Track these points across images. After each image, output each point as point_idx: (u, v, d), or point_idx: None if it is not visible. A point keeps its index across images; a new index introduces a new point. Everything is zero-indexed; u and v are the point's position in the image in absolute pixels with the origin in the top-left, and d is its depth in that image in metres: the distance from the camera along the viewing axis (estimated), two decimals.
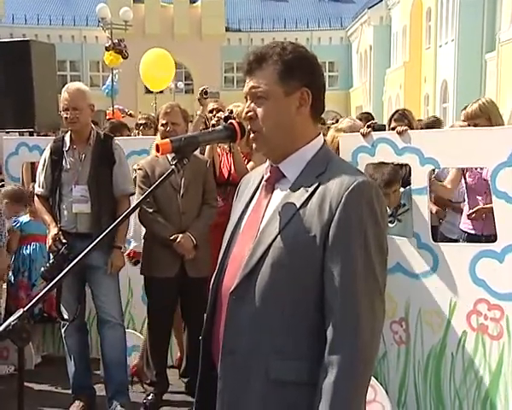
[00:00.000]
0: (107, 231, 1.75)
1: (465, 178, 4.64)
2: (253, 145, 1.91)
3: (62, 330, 4.56)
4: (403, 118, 5.14)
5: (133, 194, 4.51)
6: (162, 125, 4.66)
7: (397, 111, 5.41)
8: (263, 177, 1.96)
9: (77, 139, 4.39)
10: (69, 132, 4.46)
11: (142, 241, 4.79)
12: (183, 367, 5.03)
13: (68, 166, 4.37)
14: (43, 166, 4.45)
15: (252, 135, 1.88)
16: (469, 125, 4.58)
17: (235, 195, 2.10)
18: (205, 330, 1.99)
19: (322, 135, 1.93)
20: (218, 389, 1.86)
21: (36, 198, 4.54)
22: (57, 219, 4.40)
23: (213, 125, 4.82)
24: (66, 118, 4.32)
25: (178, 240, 4.43)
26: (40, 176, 4.47)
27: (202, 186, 4.61)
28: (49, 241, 4.33)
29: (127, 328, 5.14)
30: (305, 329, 1.77)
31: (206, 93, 6.24)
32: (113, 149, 4.42)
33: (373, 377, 3.90)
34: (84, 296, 4.57)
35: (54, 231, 4.32)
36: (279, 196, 1.86)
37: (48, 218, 4.41)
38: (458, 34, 27.50)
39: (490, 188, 4.37)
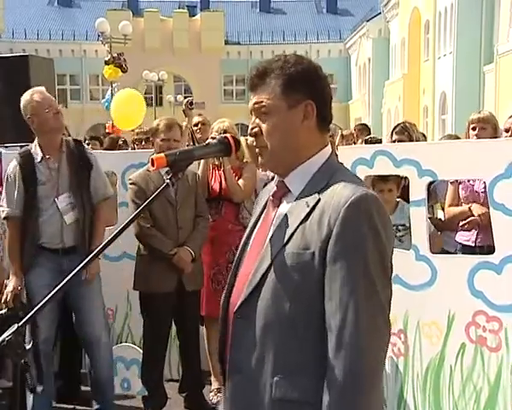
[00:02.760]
0: (104, 242, 1.74)
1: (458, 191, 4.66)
2: (260, 160, 1.89)
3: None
4: (403, 130, 5.17)
5: (111, 196, 4.45)
6: (163, 140, 4.50)
7: (398, 124, 5.44)
8: None
9: (49, 148, 4.16)
10: (36, 143, 4.21)
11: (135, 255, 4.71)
12: (180, 382, 5.01)
13: (44, 179, 4.13)
14: (13, 183, 4.13)
15: (257, 150, 1.87)
16: (475, 129, 4.63)
17: (254, 208, 2.08)
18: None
19: (329, 145, 1.90)
20: (227, 408, 1.85)
21: (8, 225, 4.19)
22: (37, 237, 4.13)
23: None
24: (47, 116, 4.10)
25: (178, 254, 4.42)
26: (9, 195, 4.13)
27: (194, 199, 4.60)
28: (8, 294, 3.99)
29: (125, 341, 5.13)
30: (309, 347, 1.73)
31: (191, 104, 6.26)
32: (88, 154, 4.31)
33: None
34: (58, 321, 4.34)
35: (16, 283, 4.02)
36: (283, 211, 1.84)
37: (16, 262, 4.09)
38: (456, 46, 27.61)
39: (482, 200, 4.40)
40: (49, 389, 4.27)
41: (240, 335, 1.81)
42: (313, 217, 1.73)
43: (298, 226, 1.75)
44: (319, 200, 1.75)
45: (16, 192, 4.13)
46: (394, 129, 5.30)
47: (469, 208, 4.47)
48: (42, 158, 4.17)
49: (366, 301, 1.67)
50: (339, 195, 1.72)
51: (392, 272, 1.78)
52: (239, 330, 1.81)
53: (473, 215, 4.44)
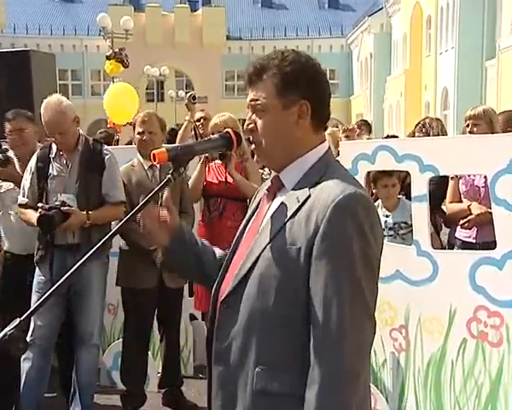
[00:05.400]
0: (102, 241, 1.74)
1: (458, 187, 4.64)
2: (255, 156, 1.91)
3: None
4: (422, 128, 5.18)
5: (124, 202, 4.28)
6: (138, 133, 4.58)
7: (420, 121, 5.42)
8: None
9: (62, 146, 4.18)
10: None
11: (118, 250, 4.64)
12: (159, 379, 4.98)
13: (55, 173, 4.16)
14: (29, 174, 4.22)
15: (252, 146, 1.88)
16: (468, 126, 4.62)
17: (251, 202, 2.10)
18: (207, 337, 1.96)
19: (326, 142, 1.91)
20: (212, 395, 1.87)
21: (21, 211, 4.25)
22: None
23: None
24: (54, 139, 4.17)
25: (158, 250, 4.33)
26: (25, 186, 4.22)
27: (179, 195, 4.54)
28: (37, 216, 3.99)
29: None
30: (291, 341, 1.75)
31: (194, 98, 6.25)
32: (104, 155, 4.23)
33: (373, 385, 3.90)
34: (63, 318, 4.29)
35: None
36: (276, 205, 1.85)
37: (33, 215, 4.06)
38: (458, 41, 27.58)
39: (482, 195, 4.39)
40: (43, 383, 4.25)
41: (225, 324, 1.83)
42: (302, 213, 1.75)
43: (287, 221, 1.76)
44: (309, 196, 1.76)
45: (30, 183, 4.21)
46: (417, 125, 5.32)
47: (468, 207, 4.45)
48: (56, 154, 4.22)
49: (350, 300, 1.67)
50: (328, 192, 1.73)
51: (379, 270, 1.79)
52: (224, 319, 1.83)
53: (471, 214, 4.42)
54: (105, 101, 9.60)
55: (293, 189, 1.83)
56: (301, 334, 1.72)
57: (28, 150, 4.44)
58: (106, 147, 4.37)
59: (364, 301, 1.71)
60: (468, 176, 4.51)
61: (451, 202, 4.67)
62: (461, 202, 4.61)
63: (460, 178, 4.59)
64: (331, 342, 1.66)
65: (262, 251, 1.78)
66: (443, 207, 4.90)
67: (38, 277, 4.18)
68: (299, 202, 1.77)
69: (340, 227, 1.68)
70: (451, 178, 4.64)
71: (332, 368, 1.65)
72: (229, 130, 1.95)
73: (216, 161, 4.90)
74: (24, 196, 4.24)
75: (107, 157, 4.24)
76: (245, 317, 1.78)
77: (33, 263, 4.21)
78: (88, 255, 1.75)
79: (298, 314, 1.73)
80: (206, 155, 4.80)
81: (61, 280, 1.72)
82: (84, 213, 4.06)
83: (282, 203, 1.82)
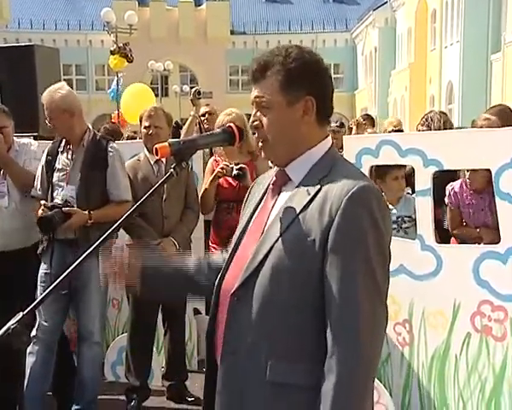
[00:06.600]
0: (103, 236, 1.74)
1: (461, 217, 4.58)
2: (262, 153, 1.92)
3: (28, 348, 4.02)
4: (425, 121, 5.17)
5: (128, 201, 4.22)
6: (145, 127, 4.61)
7: (425, 115, 5.40)
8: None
9: (70, 140, 4.23)
10: None
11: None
12: (164, 371, 5.01)
13: (60, 167, 4.21)
14: (40, 166, 4.28)
15: (260, 144, 1.89)
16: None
17: (246, 197, 2.11)
18: (208, 331, 1.98)
19: (329, 137, 1.93)
20: (217, 389, 1.87)
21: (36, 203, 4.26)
22: None
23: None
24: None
25: (161, 244, 4.40)
26: (37, 178, 4.29)
27: (184, 190, 4.58)
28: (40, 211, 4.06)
29: None
30: (304, 332, 1.77)
31: (199, 93, 6.26)
32: (108, 152, 4.21)
33: (376, 379, 3.87)
34: (66, 313, 4.33)
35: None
36: (284, 198, 1.87)
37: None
38: (463, 35, 27.50)
39: (490, 221, 4.28)
40: (47, 377, 4.25)
41: (236, 317, 1.83)
42: (314, 205, 1.77)
43: (299, 214, 1.78)
44: (320, 189, 1.78)
45: (40, 176, 4.27)
46: (422, 118, 5.30)
47: (478, 233, 4.39)
48: (64, 148, 4.26)
49: (366, 290, 1.71)
50: (341, 185, 1.75)
51: (390, 260, 1.81)
52: (235, 312, 1.84)
53: (482, 238, 4.36)
54: (122, 98, 9.66)
55: (301, 182, 1.85)
56: (314, 325, 1.75)
57: (7, 147, 4.45)
58: (112, 144, 4.30)
59: (379, 293, 1.75)
60: (468, 207, 4.45)
61: (455, 228, 4.60)
62: (462, 225, 4.57)
63: (459, 207, 4.53)
64: (347, 332, 1.70)
65: (274, 243, 1.79)
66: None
67: (42, 270, 4.20)
68: (309, 194, 1.79)
69: (355, 219, 1.71)
70: (450, 209, 4.57)
71: (349, 358, 1.69)
72: (232, 124, 1.95)
73: (224, 162, 4.82)
74: (36, 189, 4.30)
75: (110, 155, 4.21)
76: (257, 309, 1.79)
77: (16, 258, 4.25)
78: (89, 251, 1.75)
79: (310, 306, 1.75)
80: (220, 169, 4.71)
81: (62, 277, 1.72)
82: (86, 212, 4.07)
83: (292, 196, 1.83)
